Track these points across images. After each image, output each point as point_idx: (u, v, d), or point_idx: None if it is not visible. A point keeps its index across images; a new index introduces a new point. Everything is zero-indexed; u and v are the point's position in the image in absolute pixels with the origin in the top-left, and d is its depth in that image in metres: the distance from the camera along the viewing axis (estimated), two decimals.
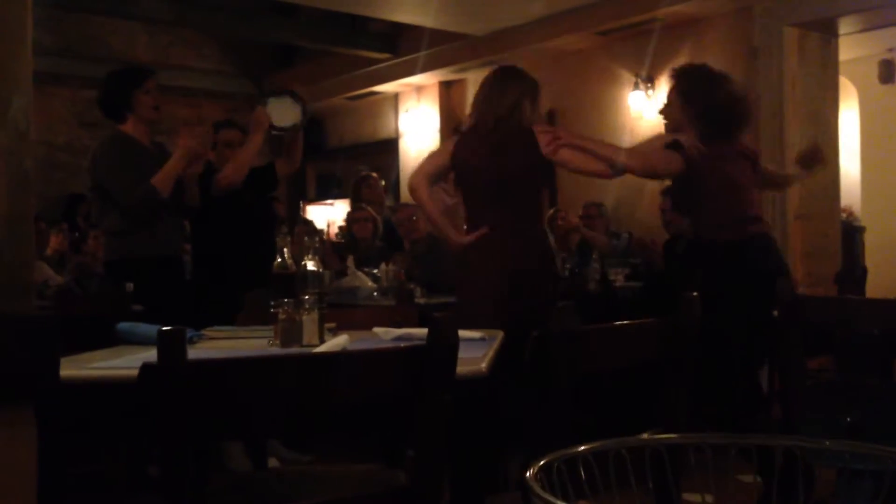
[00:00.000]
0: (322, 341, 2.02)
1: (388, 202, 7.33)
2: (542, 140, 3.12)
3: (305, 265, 2.10)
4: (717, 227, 3.14)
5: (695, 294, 1.81)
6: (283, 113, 3.97)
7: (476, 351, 1.79)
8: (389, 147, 9.10)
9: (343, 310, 3.17)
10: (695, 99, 3.20)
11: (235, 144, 3.98)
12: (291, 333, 2.03)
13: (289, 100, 4.00)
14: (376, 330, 2.17)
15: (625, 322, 1.79)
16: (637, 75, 6.71)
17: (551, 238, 5.66)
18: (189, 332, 1.79)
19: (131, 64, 4.35)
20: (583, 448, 0.80)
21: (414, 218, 5.28)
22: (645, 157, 3.25)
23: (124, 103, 3.69)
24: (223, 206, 3.87)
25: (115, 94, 3.72)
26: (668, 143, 3.21)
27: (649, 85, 6.63)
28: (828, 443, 0.80)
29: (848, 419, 1.23)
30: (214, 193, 3.81)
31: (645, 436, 0.91)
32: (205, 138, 3.79)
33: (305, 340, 2.02)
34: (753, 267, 2.96)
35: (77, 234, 6.93)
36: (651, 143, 3.40)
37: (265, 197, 4.20)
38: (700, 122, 3.20)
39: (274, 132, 3.99)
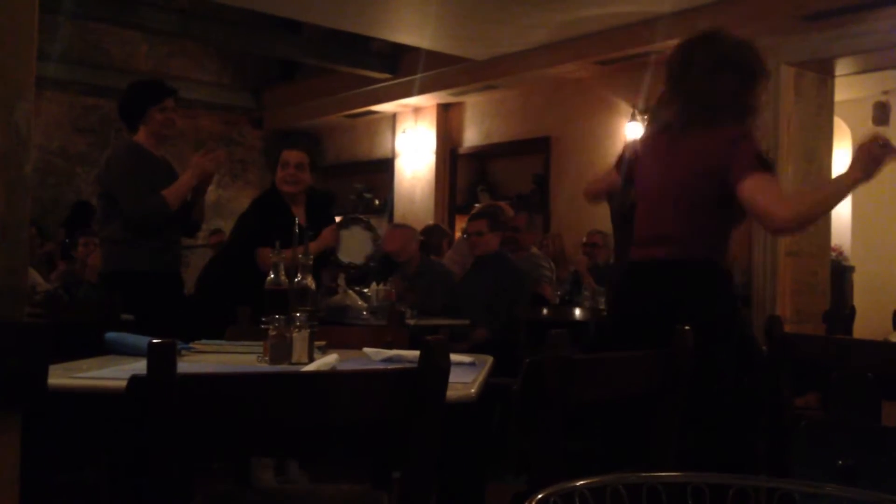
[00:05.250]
0: (311, 360, 2.00)
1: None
2: None
3: (299, 281, 2.09)
4: None
5: (686, 327, 1.81)
6: (355, 246, 3.90)
7: (466, 375, 1.79)
8: (385, 167, 9.13)
9: (333, 328, 3.16)
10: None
11: (297, 166, 3.87)
12: (281, 350, 2.02)
13: (360, 230, 3.94)
14: (366, 350, 2.16)
15: (619, 352, 1.78)
16: (634, 106, 6.76)
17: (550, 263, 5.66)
18: (178, 345, 1.78)
19: (155, 78, 4.37)
20: (580, 483, 0.79)
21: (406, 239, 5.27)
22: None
23: (138, 116, 3.74)
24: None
25: (130, 106, 3.78)
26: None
27: (646, 116, 6.68)
28: (829, 487, 0.80)
29: (840, 462, 1.22)
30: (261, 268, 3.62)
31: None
32: (218, 159, 3.80)
33: (295, 358, 2.01)
34: None
35: (67, 241, 6.91)
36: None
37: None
38: None
39: (336, 261, 3.89)
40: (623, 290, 2.55)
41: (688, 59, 2.45)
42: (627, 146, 2.63)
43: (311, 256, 2.16)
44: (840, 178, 2.31)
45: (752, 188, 2.25)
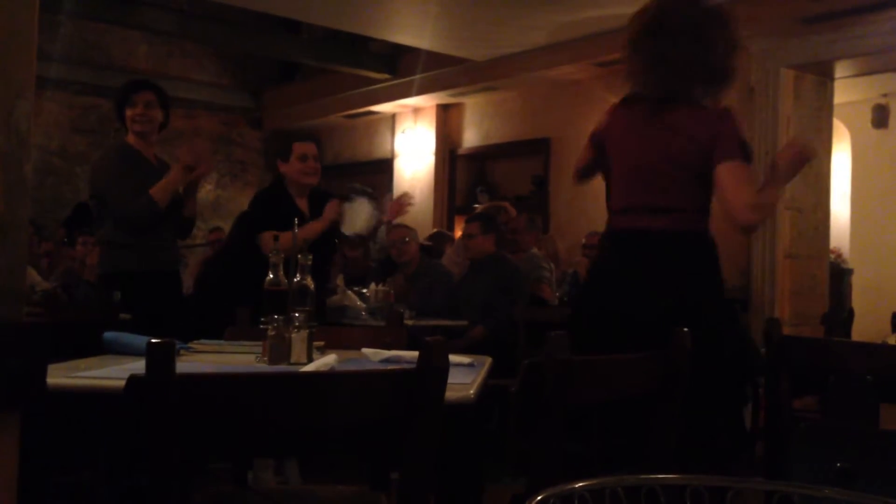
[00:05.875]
0: (310, 360, 2.01)
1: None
2: None
3: (298, 281, 2.09)
4: None
5: (685, 329, 1.81)
6: (357, 217, 3.89)
7: (465, 376, 1.79)
8: (384, 167, 9.13)
9: (332, 328, 3.15)
10: None
11: (309, 158, 3.81)
12: (280, 351, 2.02)
13: (364, 202, 3.93)
14: (365, 351, 2.16)
15: (618, 355, 1.78)
16: None
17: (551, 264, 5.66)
18: (177, 345, 1.78)
19: (133, 76, 4.38)
20: (579, 485, 0.80)
21: (407, 240, 5.27)
22: None
23: (121, 118, 3.76)
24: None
25: (115, 110, 3.81)
26: None
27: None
28: (827, 490, 0.80)
29: (838, 465, 1.22)
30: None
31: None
32: (204, 153, 3.80)
33: (293, 359, 2.02)
34: None
35: (65, 241, 6.91)
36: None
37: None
38: None
39: (340, 233, 3.88)
40: (613, 257, 2.43)
41: (660, 23, 2.34)
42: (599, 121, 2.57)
43: (310, 257, 2.16)
44: (776, 181, 2.34)
45: (729, 174, 2.25)
